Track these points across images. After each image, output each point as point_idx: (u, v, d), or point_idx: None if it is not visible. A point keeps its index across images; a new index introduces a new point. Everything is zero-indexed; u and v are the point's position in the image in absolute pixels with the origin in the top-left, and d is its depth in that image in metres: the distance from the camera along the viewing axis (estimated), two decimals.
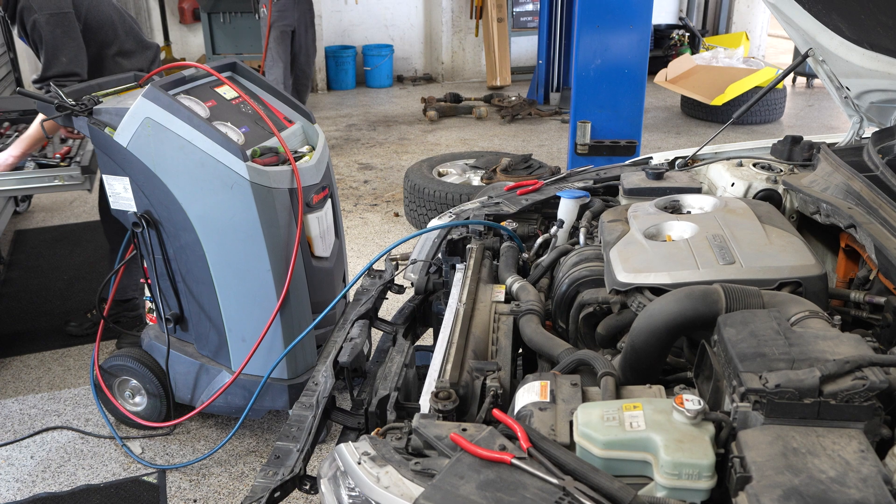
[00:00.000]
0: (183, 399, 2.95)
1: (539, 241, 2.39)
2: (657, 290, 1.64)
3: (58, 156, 3.20)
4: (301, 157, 2.83)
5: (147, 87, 2.55)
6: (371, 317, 2.22)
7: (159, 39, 9.01)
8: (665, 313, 1.47)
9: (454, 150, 6.95)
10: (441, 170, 5.20)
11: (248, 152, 2.61)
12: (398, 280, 2.42)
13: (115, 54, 3.39)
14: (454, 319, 1.82)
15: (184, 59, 8.69)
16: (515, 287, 1.98)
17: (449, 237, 2.42)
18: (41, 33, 3.08)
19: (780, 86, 7.68)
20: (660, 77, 7.88)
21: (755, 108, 7.48)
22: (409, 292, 2.39)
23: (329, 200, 2.93)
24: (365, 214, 5.35)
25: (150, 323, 3.05)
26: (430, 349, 2.42)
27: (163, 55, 8.63)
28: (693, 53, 9.07)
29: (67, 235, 5.18)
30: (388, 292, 2.38)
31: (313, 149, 2.92)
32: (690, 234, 1.88)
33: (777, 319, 1.35)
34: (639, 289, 1.68)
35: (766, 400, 1.14)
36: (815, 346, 1.24)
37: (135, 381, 2.98)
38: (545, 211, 2.65)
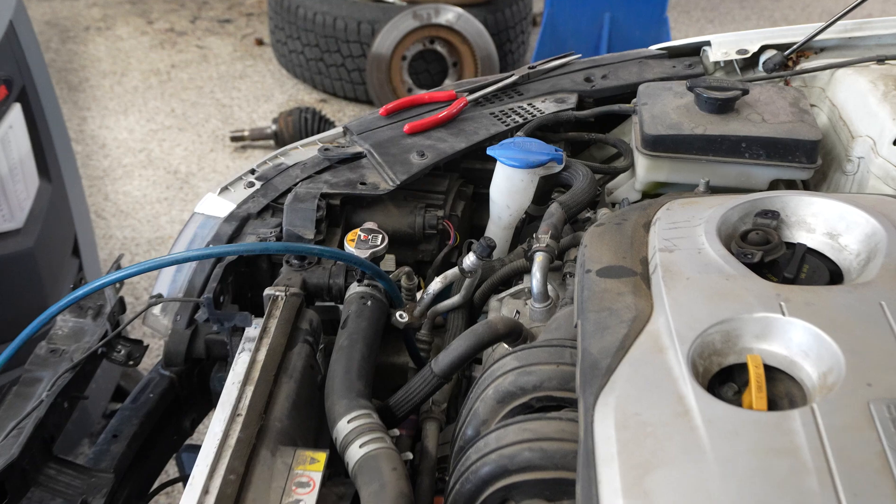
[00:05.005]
0: None
1: (435, 285, 1.07)
2: None
3: None
4: None
5: None
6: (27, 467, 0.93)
7: None
8: None
9: None
10: None
11: None
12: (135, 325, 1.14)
13: None
14: None
15: None
16: (358, 457, 0.73)
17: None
18: None
19: None
20: None
21: None
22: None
23: (17, 106, 1.40)
24: (207, 39, 3.65)
25: None
26: None
27: None
28: None
29: None
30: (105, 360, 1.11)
31: None
32: (823, 378, 0.67)
33: None
34: None
35: None
36: None
37: None
38: (466, 166, 1.26)
